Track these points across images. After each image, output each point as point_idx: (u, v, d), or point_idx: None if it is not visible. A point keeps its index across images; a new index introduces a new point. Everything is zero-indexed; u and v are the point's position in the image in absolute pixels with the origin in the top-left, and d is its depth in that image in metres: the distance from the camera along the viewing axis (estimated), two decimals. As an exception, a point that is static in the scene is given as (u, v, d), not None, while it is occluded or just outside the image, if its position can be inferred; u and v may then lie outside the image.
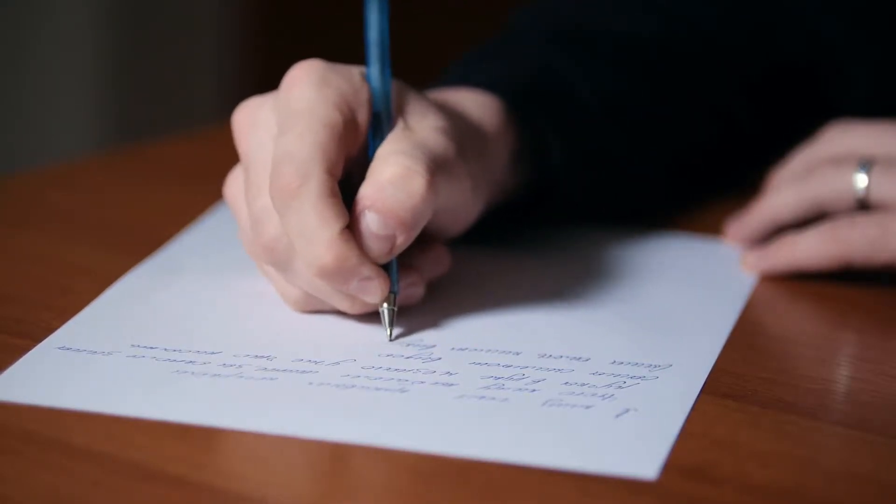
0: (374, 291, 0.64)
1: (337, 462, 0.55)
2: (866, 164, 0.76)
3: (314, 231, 0.63)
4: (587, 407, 0.60)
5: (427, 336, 0.66)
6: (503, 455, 0.55)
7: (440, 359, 0.64)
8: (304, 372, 0.62)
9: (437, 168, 0.65)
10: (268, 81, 0.73)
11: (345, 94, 0.65)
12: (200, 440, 0.56)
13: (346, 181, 0.65)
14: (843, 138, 0.79)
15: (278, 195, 0.63)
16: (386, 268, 0.65)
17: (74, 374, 0.61)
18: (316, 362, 0.63)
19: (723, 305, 0.72)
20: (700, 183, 0.89)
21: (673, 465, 0.55)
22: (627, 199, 0.84)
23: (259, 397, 0.60)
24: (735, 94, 0.89)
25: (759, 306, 0.73)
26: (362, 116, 0.66)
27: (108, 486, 0.53)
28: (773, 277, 0.76)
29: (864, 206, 0.76)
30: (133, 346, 0.63)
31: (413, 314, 0.67)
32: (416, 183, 0.64)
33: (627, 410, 0.59)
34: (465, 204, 0.69)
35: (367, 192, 0.64)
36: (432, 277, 0.69)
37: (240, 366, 0.62)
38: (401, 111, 0.67)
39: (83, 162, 0.95)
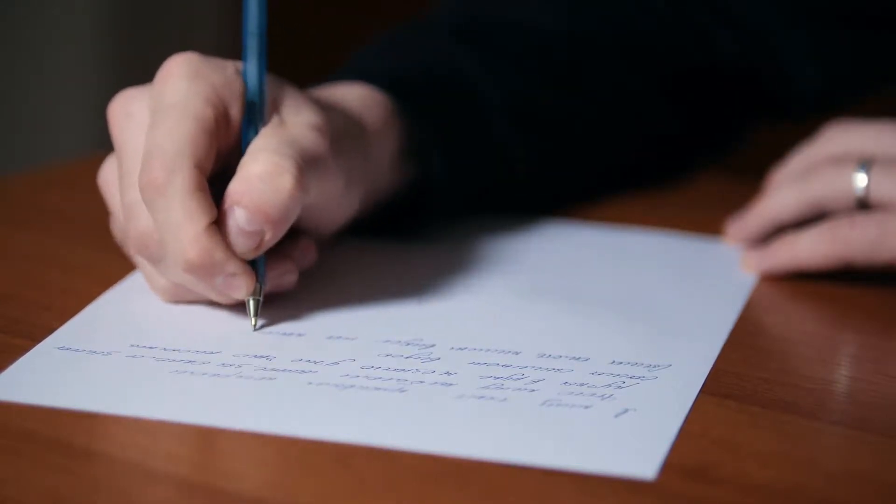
0: (239, 287, 0.65)
1: (336, 462, 0.55)
2: (866, 164, 0.76)
3: (180, 226, 0.63)
4: (586, 407, 0.60)
5: (426, 335, 0.66)
6: (502, 455, 0.55)
7: (439, 359, 0.64)
8: (303, 372, 0.62)
9: (306, 165, 0.65)
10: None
11: (217, 88, 0.65)
12: (200, 440, 0.56)
13: (222, 175, 0.65)
14: (842, 138, 0.79)
15: (146, 189, 0.63)
16: (254, 260, 0.65)
17: (74, 374, 0.61)
18: (315, 362, 0.63)
19: (723, 305, 0.72)
20: (619, 182, 0.89)
21: (672, 465, 0.55)
22: (537, 198, 0.84)
23: (258, 397, 0.60)
24: (652, 92, 0.89)
25: (759, 306, 0.73)
26: (235, 110, 0.66)
27: (108, 486, 0.53)
28: (773, 277, 0.76)
29: (863, 205, 0.76)
30: (133, 345, 0.63)
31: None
32: (285, 180, 0.64)
33: (626, 410, 0.59)
34: (337, 201, 0.69)
35: (236, 187, 0.64)
36: (300, 269, 0.69)
37: (239, 365, 0.62)
38: (276, 106, 0.67)
39: (83, 162, 0.95)
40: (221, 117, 0.65)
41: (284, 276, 0.68)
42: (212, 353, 0.63)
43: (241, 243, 0.64)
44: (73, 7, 1.95)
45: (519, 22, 0.87)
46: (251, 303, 0.65)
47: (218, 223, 0.64)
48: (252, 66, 0.67)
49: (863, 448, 0.58)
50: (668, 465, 0.55)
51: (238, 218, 0.64)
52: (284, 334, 0.65)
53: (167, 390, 0.60)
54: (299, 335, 0.65)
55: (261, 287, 0.65)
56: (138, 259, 0.68)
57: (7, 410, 0.58)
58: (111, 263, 0.72)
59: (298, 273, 0.69)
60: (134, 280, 0.70)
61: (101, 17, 1.98)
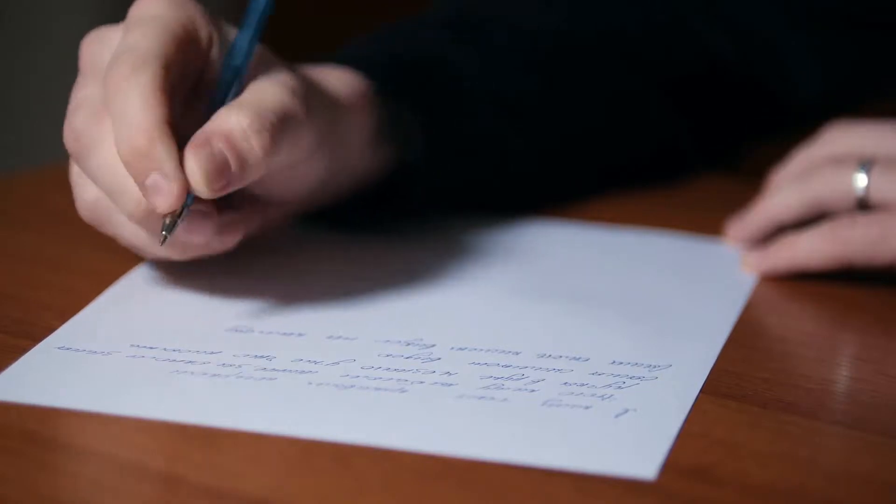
0: (166, 194, 0.62)
1: (336, 462, 0.55)
2: (866, 164, 0.76)
3: (135, 113, 0.62)
4: (586, 407, 0.60)
5: (426, 335, 0.66)
6: (503, 455, 0.55)
7: (440, 359, 0.64)
8: (303, 372, 0.62)
9: (281, 124, 0.65)
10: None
11: (193, 18, 0.66)
12: (200, 440, 0.56)
13: (182, 123, 0.65)
14: (843, 138, 0.79)
15: (111, 82, 0.63)
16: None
17: (74, 373, 0.61)
18: (315, 362, 0.63)
19: (723, 305, 0.72)
20: (615, 182, 0.89)
21: (673, 465, 0.55)
22: (532, 196, 0.84)
23: (258, 397, 0.60)
24: (651, 94, 0.89)
25: (759, 306, 0.73)
26: (205, 43, 0.66)
27: (108, 486, 0.53)
28: (774, 277, 0.76)
29: (864, 205, 0.76)
30: (133, 345, 0.63)
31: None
32: (263, 136, 0.64)
33: (627, 411, 0.59)
34: (304, 164, 0.69)
35: (214, 128, 0.63)
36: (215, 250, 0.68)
37: (239, 365, 0.62)
38: (257, 68, 0.67)
39: (83, 162, 0.95)
40: (194, 42, 0.66)
41: (230, 227, 0.66)
42: (212, 353, 0.63)
43: (210, 171, 0.62)
44: (73, 7, 1.95)
45: (515, 21, 0.87)
46: (167, 219, 0.63)
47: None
48: (248, 32, 0.67)
49: (863, 448, 0.58)
50: (668, 465, 0.55)
51: (215, 150, 0.63)
52: (284, 334, 0.65)
53: (167, 390, 0.60)
54: (299, 335, 0.66)
55: (183, 210, 0.63)
56: (72, 163, 0.66)
57: (7, 410, 0.58)
58: (111, 263, 0.72)
59: (223, 249, 0.67)
60: (134, 280, 0.70)
61: (101, 17, 1.98)
